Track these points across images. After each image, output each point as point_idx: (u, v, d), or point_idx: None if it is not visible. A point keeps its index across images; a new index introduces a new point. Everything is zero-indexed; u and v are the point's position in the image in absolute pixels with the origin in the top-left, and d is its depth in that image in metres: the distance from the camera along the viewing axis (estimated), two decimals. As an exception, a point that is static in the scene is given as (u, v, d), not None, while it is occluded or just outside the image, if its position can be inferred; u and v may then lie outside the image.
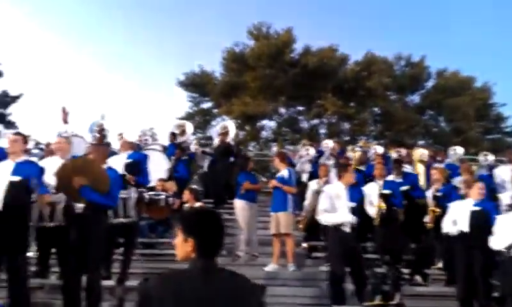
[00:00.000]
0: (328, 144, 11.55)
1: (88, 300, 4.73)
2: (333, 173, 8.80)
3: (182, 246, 2.00)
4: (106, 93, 42.47)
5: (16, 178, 4.67)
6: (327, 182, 8.05)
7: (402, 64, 27.29)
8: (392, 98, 26.93)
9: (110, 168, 5.23)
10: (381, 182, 7.18)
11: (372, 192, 7.05)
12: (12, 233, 4.53)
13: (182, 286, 1.90)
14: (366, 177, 8.10)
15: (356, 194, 6.54)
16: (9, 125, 23.95)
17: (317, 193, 7.70)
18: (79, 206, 4.84)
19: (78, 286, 4.73)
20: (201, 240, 1.97)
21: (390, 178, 7.61)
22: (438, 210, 6.78)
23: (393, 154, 10.50)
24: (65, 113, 10.46)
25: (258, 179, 8.27)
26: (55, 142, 6.35)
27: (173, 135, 11.41)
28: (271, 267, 7.07)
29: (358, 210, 6.45)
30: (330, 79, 24.88)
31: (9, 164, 4.79)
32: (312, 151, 11.15)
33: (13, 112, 25.39)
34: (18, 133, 5.18)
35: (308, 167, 10.39)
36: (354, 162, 8.71)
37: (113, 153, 7.23)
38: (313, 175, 9.51)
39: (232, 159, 10.62)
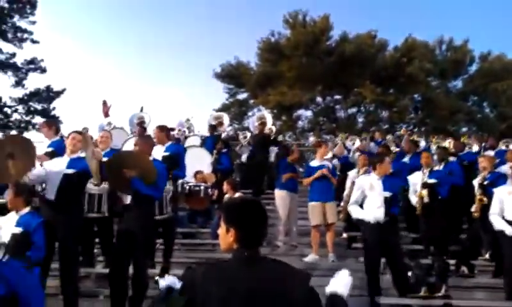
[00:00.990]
0: (355, 141, 11.31)
1: (134, 289, 4.83)
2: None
3: (224, 237, 1.99)
4: (144, 86, 43.37)
5: (70, 171, 4.83)
6: (366, 172, 7.89)
7: (443, 49, 26.39)
8: (433, 84, 26.13)
9: (155, 160, 5.32)
10: (426, 171, 6.96)
11: (417, 181, 6.84)
12: (65, 223, 4.70)
13: (225, 276, 1.89)
14: (412, 166, 7.84)
15: (397, 182, 6.30)
16: (53, 119, 24.84)
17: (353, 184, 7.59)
18: (127, 197, 4.94)
19: (124, 275, 4.84)
20: (243, 230, 1.95)
21: (436, 167, 7.35)
22: (484, 199, 6.51)
23: (433, 146, 10.19)
24: (106, 106, 10.75)
25: (298, 169, 8.17)
26: (101, 135, 6.50)
27: (212, 127, 11.47)
28: (310, 258, 7.01)
29: (401, 200, 6.25)
30: (368, 66, 24.34)
31: (64, 159, 4.97)
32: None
33: (57, 106, 26.33)
34: (77, 132, 5.33)
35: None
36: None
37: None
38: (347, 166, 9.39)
39: (273, 149, 10.61)
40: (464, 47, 25.76)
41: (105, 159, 5.36)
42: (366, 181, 5.73)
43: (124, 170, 4.79)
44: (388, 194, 5.50)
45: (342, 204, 8.71)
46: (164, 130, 6.92)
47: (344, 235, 8.03)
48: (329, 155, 10.31)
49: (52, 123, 7.23)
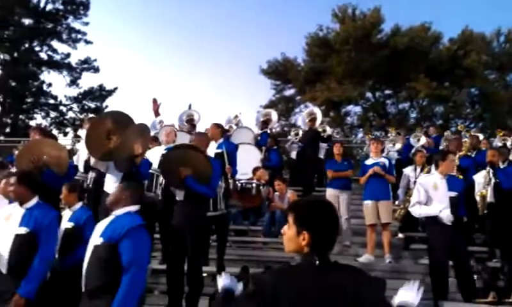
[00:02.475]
0: (420, 138, 10.73)
1: (190, 286, 4.82)
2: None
3: (294, 239, 1.88)
4: (192, 84, 44.03)
5: None
6: (423, 169, 7.53)
7: (501, 41, 24.96)
8: (490, 78, 24.78)
9: (212, 158, 5.31)
10: (491, 170, 6.53)
11: (482, 180, 6.42)
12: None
13: (297, 283, 1.78)
14: (478, 165, 7.37)
15: (460, 182, 5.94)
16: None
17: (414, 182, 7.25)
18: (180, 193, 4.94)
19: (181, 271, 4.84)
20: (318, 235, 1.84)
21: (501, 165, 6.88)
22: None
23: (498, 142, 9.57)
24: (156, 104, 10.91)
25: (350, 166, 7.89)
26: (166, 132, 6.68)
27: (264, 123, 11.36)
28: (365, 258, 6.78)
29: (466, 200, 5.87)
30: (422, 60, 23.39)
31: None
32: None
33: (109, 105, 27.19)
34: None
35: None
36: (464, 148, 7.97)
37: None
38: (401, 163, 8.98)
39: (325, 145, 10.42)
40: (523, 39, 24.29)
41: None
42: (429, 180, 5.39)
43: (180, 168, 4.79)
44: (453, 193, 5.15)
45: (396, 202, 8.41)
46: (220, 127, 7.02)
47: (400, 235, 7.73)
48: (397, 146, 9.98)
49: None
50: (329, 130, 11.64)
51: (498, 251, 6.25)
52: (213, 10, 42.30)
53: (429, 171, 7.03)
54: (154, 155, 5.83)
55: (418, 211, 5.34)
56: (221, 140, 6.92)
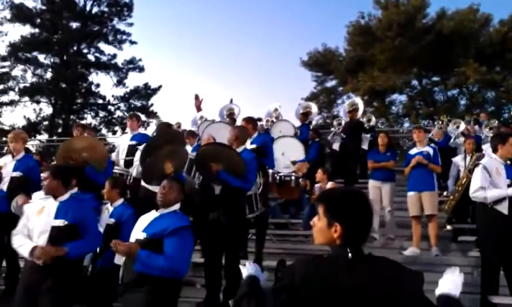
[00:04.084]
0: (460, 125, 10.27)
1: (227, 280, 4.82)
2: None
3: (325, 231, 1.81)
4: (233, 79, 44.28)
5: None
6: (472, 157, 7.16)
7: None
8: (546, 60, 23.29)
9: (246, 150, 5.27)
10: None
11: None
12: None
13: (329, 275, 1.71)
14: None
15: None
16: (152, 115, 26.31)
17: (469, 171, 6.90)
18: (218, 187, 4.94)
19: (219, 265, 4.85)
20: (351, 226, 1.76)
21: None
22: None
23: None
24: (198, 100, 11.01)
25: (393, 157, 7.63)
26: (203, 140, 6.65)
27: (305, 115, 11.20)
28: (410, 251, 6.53)
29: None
30: (471, 44, 22.34)
31: None
32: (462, 126, 10.06)
33: (154, 103, 27.83)
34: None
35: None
36: None
37: None
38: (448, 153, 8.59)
39: (368, 136, 10.17)
40: None
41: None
42: (493, 164, 5.02)
43: (211, 164, 4.79)
44: (508, 180, 4.79)
45: (445, 193, 8.08)
46: (250, 122, 6.81)
47: (448, 227, 7.41)
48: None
49: (137, 115, 7.51)
50: (373, 121, 11.37)
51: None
52: (253, 4, 42.31)
53: (477, 159, 6.67)
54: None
55: (483, 195, 4.82)
56: (255, 134, 6.82)
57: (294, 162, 8.15)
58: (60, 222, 3.67)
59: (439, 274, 5.69)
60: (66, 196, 3.83)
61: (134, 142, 6.74)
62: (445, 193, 8.09)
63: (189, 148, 6.43)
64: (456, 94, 24.34)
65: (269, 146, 6.67)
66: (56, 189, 3.81)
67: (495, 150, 5.03)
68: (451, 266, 5.87)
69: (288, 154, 8.84)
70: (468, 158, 7.26)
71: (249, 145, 6.41)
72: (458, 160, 7.61)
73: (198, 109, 11.04)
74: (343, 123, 11.00)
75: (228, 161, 4.85)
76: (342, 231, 1.76)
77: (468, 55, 22.12)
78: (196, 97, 10.88)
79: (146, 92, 27.81)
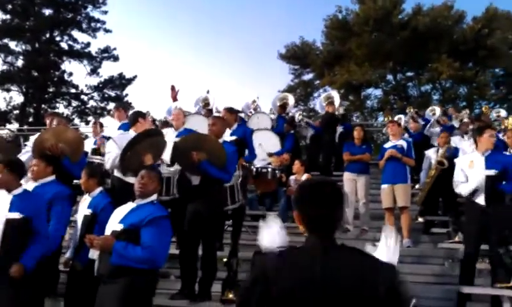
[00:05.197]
0: (435, 111, 10.51)
1: (203, 271, 4.81)
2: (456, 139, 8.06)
3: (297, 221, 1.83)
4: (210, 70, 44.03)
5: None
6: (443, 150, 7.31)
7: (529, 18, 24.04)
8: (516, 57, 23.97)
9: (226, 142, 5.25)
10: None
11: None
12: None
13: (298, 265, 1.72)
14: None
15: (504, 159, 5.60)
16: (126, 105, 25.94)
17: (439, 163, 7.05)
18: (196, 178, 4.90)
19: (194, 256, 4.83)
20: (307, 214, 1.78)
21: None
22: None
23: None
24: (174, 91, 10.92)
25: (368, 150, 7.73)
26: (174, 113, 6.56)
27: (282, 107, 11.22)
28: (383, 242, 6.65)
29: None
30: (444, 40, 22.75)
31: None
32: (438, 111, 10.33)
33: (129, 93, 27.43)
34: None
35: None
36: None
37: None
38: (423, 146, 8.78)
39: (340, 129, 10.26)
40: (552, 15, 23.32)
41: (176, 139, 5.39)
42: (466, 159, 5.18)
43: (193, 152, 4.75)
44: (492, 172, 4.93)
45: (417, 186, 8.23)
46: (233, 112, 6.81)
47: (420, 219, 7.57)
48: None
49: (124, 106, 7.47)
50: (341, 110, 11.47)
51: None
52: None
53: (447, 151, 6.85)
54: (168, 138, 5.77)
55: (458, 190, 5.12)
56: (235, 126, 6.80)
57: (270, 154, 8.18)
58: (15, 215, 3.65)
59: (410, 265, 5.85)
60: (20, 190, 3.83)
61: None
62: (417, 186, 8.25)
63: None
64: (429, 90, 24.84)
65: (248, 138, 6.67)
66: (10, 183, 3.79)
67: (475, 144, 5.17)
68: (422, 257, 6.06)
69: (264, 146, 8.87)
70: (441, 151, 7.41)
71: (229, 136, 6.41)
72: (431, 153, 7.76)
73: (174, 99, 10.92)
74: (299, 114, 11.12)
75: (210, 151, 4.82)
76: (302, 219, 1.78)
77: (441, 51, 22.55)
78: (172, 88, 10.74)
79: (120, 82, 27.35)
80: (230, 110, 6.79)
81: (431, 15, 23.06)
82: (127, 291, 3.24)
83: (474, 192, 4.93)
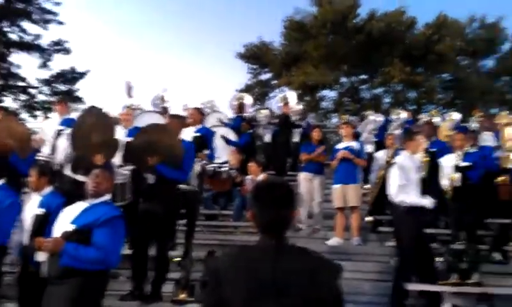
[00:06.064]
0: (400, 114, 10.94)
1: (156, 270, 4.79)
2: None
3: (251, 219, 1.88)
4: (167, 67, 43.46)
5: None
6: (391, 152, 7.61)
7: (475, 27, 25.33)
8: (463, 64, 25.18)
9: (183, 140, 5.24)
10: (460, 153, 6.65)
11: (449, 164, 6.52)
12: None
13: (250, 265, 1.76)
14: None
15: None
16: (77, 100, 25.13)
17: (387, 164, 7.33)
18: (150, 177, 4.86)
19: (145, 256, 4.80)
20: (260, 214, 1.82)
21: (470, 149, 6.98)
22: (505, 177, 6.17)
23: (473, 123, 9.70)
24: (129, 87, 10.74)
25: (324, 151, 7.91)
26: (123, 113, 6.46)
27: (240, 107, 11.29)
28: (334, 241, 6.87)
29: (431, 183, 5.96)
30: (397, 45, 23.57)
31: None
32: (381, 119, 10.69)
33: (81, 88, 26.60)
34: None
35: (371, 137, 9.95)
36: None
37: None
38: (379, 146, 9.10)
39: (296, 130, 10.45)
40: (497, 26, 24.66)
41: (128, 139, 5.32)
42: (408, 161, 5.39)
43: (148, 158, 4.71)
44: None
45: (367, 186, 8.51)
46: (201, 111, 7.11)
47: (369, 219, 7.82)
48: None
49: (66, 100, 7.31)
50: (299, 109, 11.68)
51: (462, 234, 6.40)
52: (189, -8, 41.58)
53: (395, 154, 7.13)
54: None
55: (400, 198, 5.13)
56: (200, 125, 6.98)
57: (226, 140, 8.26)
58: (40, 211, 3.72)
59: (359, 263, 6.06)
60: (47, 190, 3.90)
61: (62, 127, 6.50)
62: (367, 186, 8.52)
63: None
64: (381, 93, 25.63)
65: (211, 138, 6.83)
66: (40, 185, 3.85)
67: (405, 146, 5.44)
68: (370, 255, 6.28)
69: (220, 145, 8.90)
70: (390, 153, 7.69)
71: (193, 133, 6.50)
72: (380, 155, 8.05)
73: (129, 96, 10.77)
74: (265, 113, 11.24)
75: (164, 150, 4.78)
76: (255, 219, 1.83)
77: (394, 56, 23.33)
78: (127, 84, 10.60)
79: (72, 76, 26.42)
80: (199, 110, 7.01)
81: (385, 20, 23.79)
82: (77, 293, 3.19)
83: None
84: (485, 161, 6.84)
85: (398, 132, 9.54)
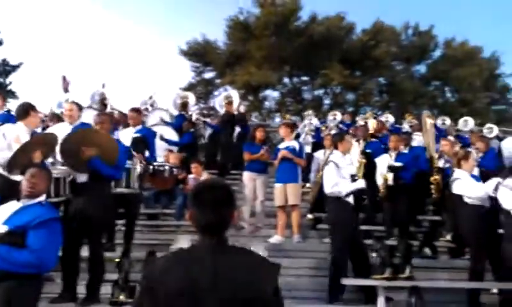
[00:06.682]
0: (336, 116, 11.34)
1: (90, 272, 4.63)
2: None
3: (190, 219, 1.86)
4: (107, 62, 42.09)
5: None
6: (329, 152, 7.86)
7: (409, 34, 26.74)
8: (398, 68, 26.50)
9: (117, 140, 5.12)
10: (393, 154, 7.00)
11: (383, 163, 6.85)
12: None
13: (187, 267, 1.74)
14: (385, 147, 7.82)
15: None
16: (9, 93, 23.74)
17: (326, 163, 7.55)
18: (82, 175, 4.68)
19: (76, 257, 4.62)
20: (199, 215, 1.81)
21: (403, 150, 7.37)
22: (437, 177, 6.57)
23: (406, 125, 10.25)
24: (66, 82, 10.32)
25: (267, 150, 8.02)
26: (65, 108, 6.17)
27: (183, 105, 11.20)
28: (275, 239, 6.98)
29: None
30: (336, 49, 24.40)
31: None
32: (315, 121, 11.01)
33: (13, 81, 25.17)
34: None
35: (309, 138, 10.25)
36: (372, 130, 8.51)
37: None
38: (317, 146, 9.36)
39: (238, 129, 10.49)
40: (429, 33, 26.19)
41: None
42: (341, 158, 5.65)
43: (83, 149, 4.55)
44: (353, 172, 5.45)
45: (307, 185, 8.72)
46: (139, 111, 7.02)
47: (309, 216, 8.02)
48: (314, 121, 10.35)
49: (1, 94, 6.88)
50: (242, 108, 11.81)
51: (395, 230, 6.73)
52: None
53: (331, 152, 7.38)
54: (59, 133, 5.47)
55: (338, 189, 5.41)
56: (139, 126, 6.87)
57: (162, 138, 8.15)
58: None
59: (299, 259, 6.18)
60: None
61: None
62: (307, 185, 8.73)
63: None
64: (321, 94, 26.39)
65: (151, 138, 6.80)
66: None
67: (335, 147, 5.68)
68: (310, 251, 6.43)
69: (161, 143, 8.80)
70: (328, 152, 7.93)
71: (133, 134, 6.36)
72: (319, 155, 8.29)
73: (66, 91, 10.36)
74: (216, 114, 11.23)
75: (101, 147, 4.64)
76: (194, 219, 1.82)
77: (333, 59, 24.14)
78: (64, 79, 10.18)
79: (4, 68, 24.99)
80: (137, 111, 6.98)
81: (326, 24, 24.54)
82: (10, 297, 3.04)
83: (351, 193, 5.42)
84: (416, 161, 7.25)
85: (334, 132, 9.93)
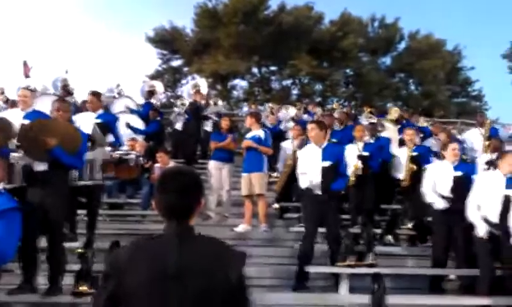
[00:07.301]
0: (289, 110, 11.61)
1: (50, 263, 4.51)
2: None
3: (155, 207, 1.84)
4: (72, 48, 40.85)
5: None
6: (301, 142, 7.92)
7: (376, 26, 27.11)
8: (364, 60, 26.86)
9: (78, 129, 4.99)
10: (360, 144, 7.12)
11: (351, 153, 6.95)
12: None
13: (153, 255, 1.72)
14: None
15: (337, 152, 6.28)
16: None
17: (294, 153, 7.61)
18: (41, 164, 4.53)
19: (34, 247, 4.48)
20: (164, 202, 1.80)
21: (369, 140, 7.50)
22: (414, 166, 6.79)
23: (364, 121, 10.43)
24: (27, 67, 9.99)
25: (233, 138, 8.01)
26: (19, 94, 5.94)
27: (150, 93, 11.05)
28: (241, 228, 7.00)
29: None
30: (305, 39, 24.48)
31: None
32: (292, 112, 11.20)
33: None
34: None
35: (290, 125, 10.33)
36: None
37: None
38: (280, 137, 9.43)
39: (214, 117, 10.47)
40: (395, 25, 26.63)
41: (25, 121, 4.94)
42: (307, 151, 5.70)
43: (46, 138, 4.40)
44: (327, 163, 5.49)
45: (274, 174, 8.77)
46: (99, 96, 6.76)
47: (276, 206, 8.08)
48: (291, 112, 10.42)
49: None
50: (220, 104, 11.85)
51: (359, 218, 6.87)
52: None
53: (302, 142, 7.44)
54: (14, 120, 5.27)
55: (306, 179, 5.52)
56: (100, 110, 6.65)
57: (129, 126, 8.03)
58: None
59: (266, 248, 6.21)
60: None
61: None
62: (274, 174, 8.79)
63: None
64: (289, 84, 26.51)
65: (114, 123, 6.63)
66: None
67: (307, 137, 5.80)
68: (276, 240, 6.49)
69: (127, 131, 8.66)
70: (295, 142, 8.01)
71: (94, 119, 6.18)
72: (287, 144, 8.35)
73: (26, 76, 10.06)
74: (187, 103, 11.08)
75: (63, 136, 4.50)
76: (158, 205, 1.80)
77: (301, 50, 24.22)
78: (25, 64, 9.86)
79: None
80: (96, 94, 6.71)
81: (294, 14, 24.56)
82: None
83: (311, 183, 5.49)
84: (381, 152, 7.41)
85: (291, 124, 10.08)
